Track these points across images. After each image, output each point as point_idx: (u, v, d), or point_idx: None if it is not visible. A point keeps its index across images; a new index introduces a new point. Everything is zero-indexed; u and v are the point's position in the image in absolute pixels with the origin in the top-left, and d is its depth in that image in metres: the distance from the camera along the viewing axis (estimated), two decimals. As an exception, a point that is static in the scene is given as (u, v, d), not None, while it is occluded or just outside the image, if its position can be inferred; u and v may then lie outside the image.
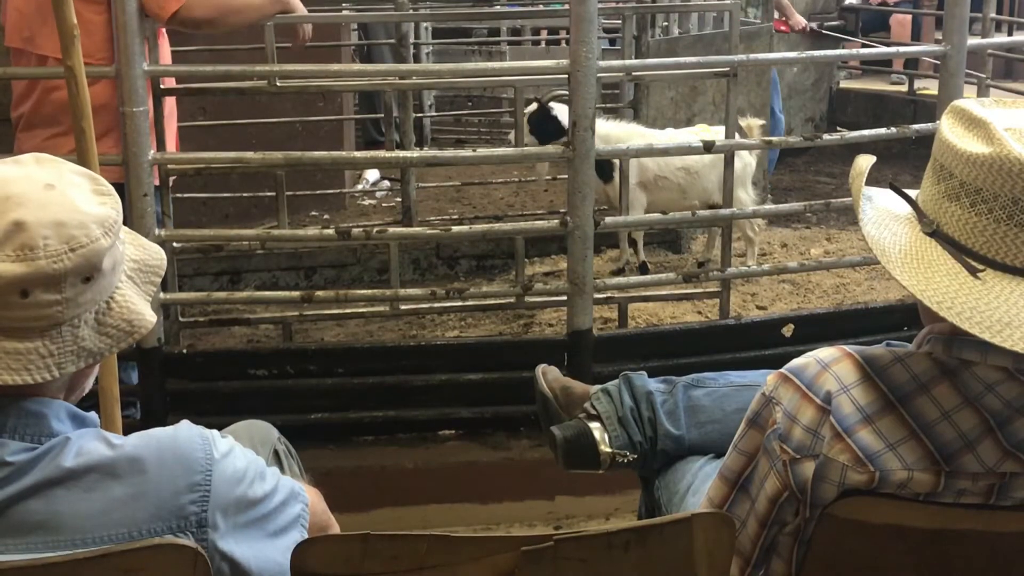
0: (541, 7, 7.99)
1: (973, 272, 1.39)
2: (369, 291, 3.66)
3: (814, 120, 8.11)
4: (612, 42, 7.54)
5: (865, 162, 1.59)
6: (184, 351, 3.27)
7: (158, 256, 1.51)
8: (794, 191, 6.62)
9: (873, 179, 1.59)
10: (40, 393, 1.36)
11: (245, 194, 5.15)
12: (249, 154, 3.20)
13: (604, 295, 3.55)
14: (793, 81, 7.91)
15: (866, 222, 1.51)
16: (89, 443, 1.35)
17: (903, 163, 6.73)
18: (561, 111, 4.06)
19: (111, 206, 1.38)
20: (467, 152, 3.35)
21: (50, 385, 1.36)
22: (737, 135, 3.55)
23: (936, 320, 1.45)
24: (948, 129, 1.47)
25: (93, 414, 1.43)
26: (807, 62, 6.73)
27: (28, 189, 1.33)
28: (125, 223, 1.44)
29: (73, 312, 1.34)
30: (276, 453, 1.93)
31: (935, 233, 1.45)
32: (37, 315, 1.31)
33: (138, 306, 1.41)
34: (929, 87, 7.54)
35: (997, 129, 1.40)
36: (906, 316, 3.40)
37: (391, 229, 3.45)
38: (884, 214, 1.53)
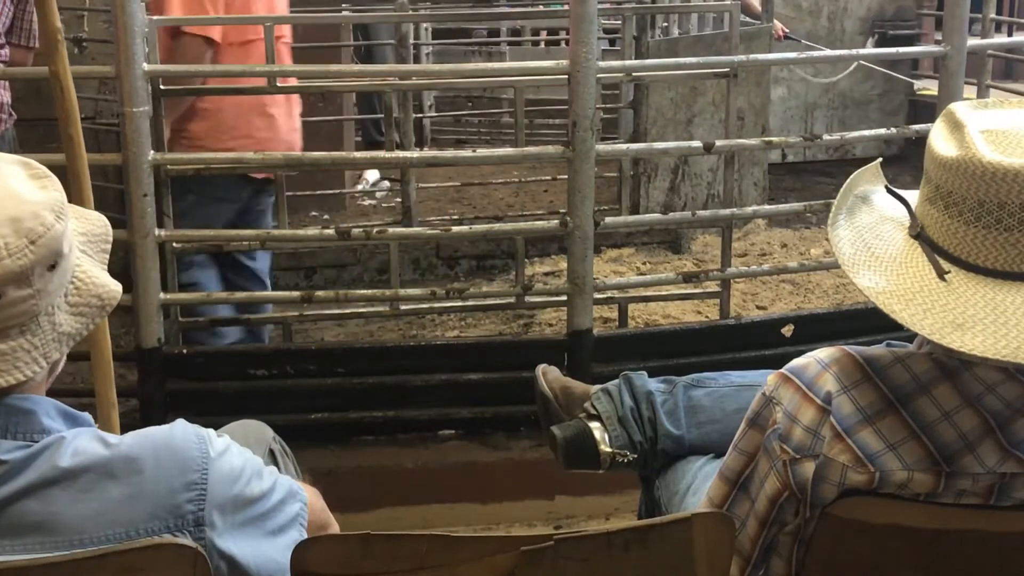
0: (541, 7, 7.99)
1: (940, 274, 1.41)
2: (369, 291, 3.66)
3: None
4: (612, 42, 7.55)
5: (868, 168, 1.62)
6: (184, 351, 3.27)
7: (101, 223, 1.51)
8: (794, 191, 6.62)
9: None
10: (23, 389, 1.35)
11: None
12: (249, 154, 3.19)
13: (604, 295, 3.54)
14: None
15: (840, 224, 1.53)
16: (85, 443, 1.35)
17: (903, 163, 6.73)
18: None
19: (54, 188, 1.38)
20: (467, 152, 3.35)
21: (33, 378, 1.36)
22: None
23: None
24: (935, 133, 1.49)
25: (86, 414, 1.43)
26: (807, 63, 6.73)
27: None
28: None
29: (47, 301, 1.34)
30: (272, 453, 1.93)
31: (919, 236, 1.46)
32: (14, 313, 1.31)
33: (101, 278, 1.42)
34: (929, 87, 7.52)
35: (970, 132, 1.42)
36: (906, 316, 3.39)
37: (391, 229, 3.45)
38: (878, 216, 1.54)
